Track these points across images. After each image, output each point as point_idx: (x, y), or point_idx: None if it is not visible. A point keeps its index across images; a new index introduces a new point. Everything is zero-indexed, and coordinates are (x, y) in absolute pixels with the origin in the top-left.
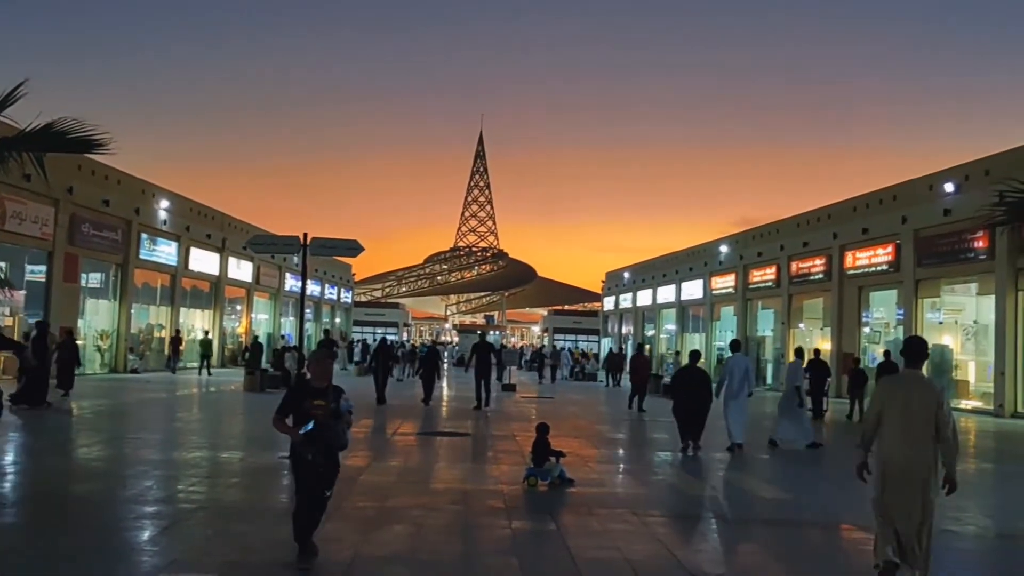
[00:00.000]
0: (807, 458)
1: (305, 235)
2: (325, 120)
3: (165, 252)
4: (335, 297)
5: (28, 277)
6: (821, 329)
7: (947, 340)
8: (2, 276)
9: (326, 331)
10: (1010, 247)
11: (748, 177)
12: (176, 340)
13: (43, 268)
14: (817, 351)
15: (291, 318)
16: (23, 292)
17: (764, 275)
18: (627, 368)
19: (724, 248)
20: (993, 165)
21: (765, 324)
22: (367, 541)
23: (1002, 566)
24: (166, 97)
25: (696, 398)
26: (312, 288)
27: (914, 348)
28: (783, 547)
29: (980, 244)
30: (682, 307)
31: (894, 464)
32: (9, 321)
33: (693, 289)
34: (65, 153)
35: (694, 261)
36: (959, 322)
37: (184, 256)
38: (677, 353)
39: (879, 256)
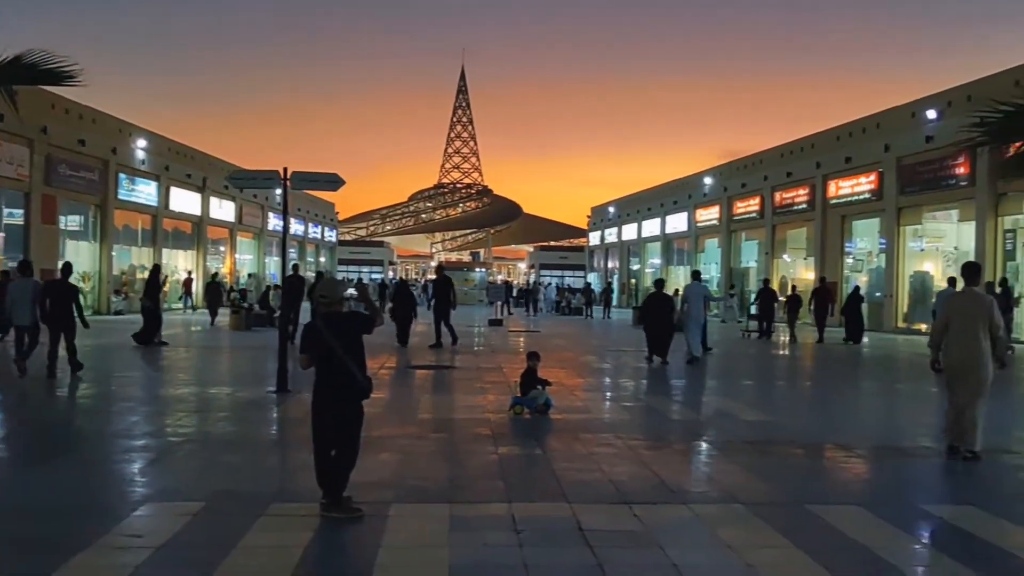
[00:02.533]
0: (789, 382)
1: (285, 169)
2: (307, 56)
3: (145, 192)
4: (319, 236)
5: (6, 220)
6: (804, 259)
7: (928, 267)
8: None
9: (295, 266)
10: (990, 173)
11: (732, 108)
12: (188, 282)
13: (20, 210)
14: (766, 280)
15: (275, 257)
16: (2, 235)
17: (748, 206)
18: (613, 302)
19: (708, 180)
20: (975, 90)
21: (749, 255)
22: (353, 469)
23: (976, 479)
24: (142, 34)
25: (662, 319)
26: (296, 227)
27: (971, 270)
28: (765, 466)
29: (961, 171)
30: (667, 240)
31: (957, 358)
32: None
33: (678, 222)
34: (36, 86)
35: (679, 194)
36: (940, 249)
37: (164, 196)
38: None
39: (862, 185)
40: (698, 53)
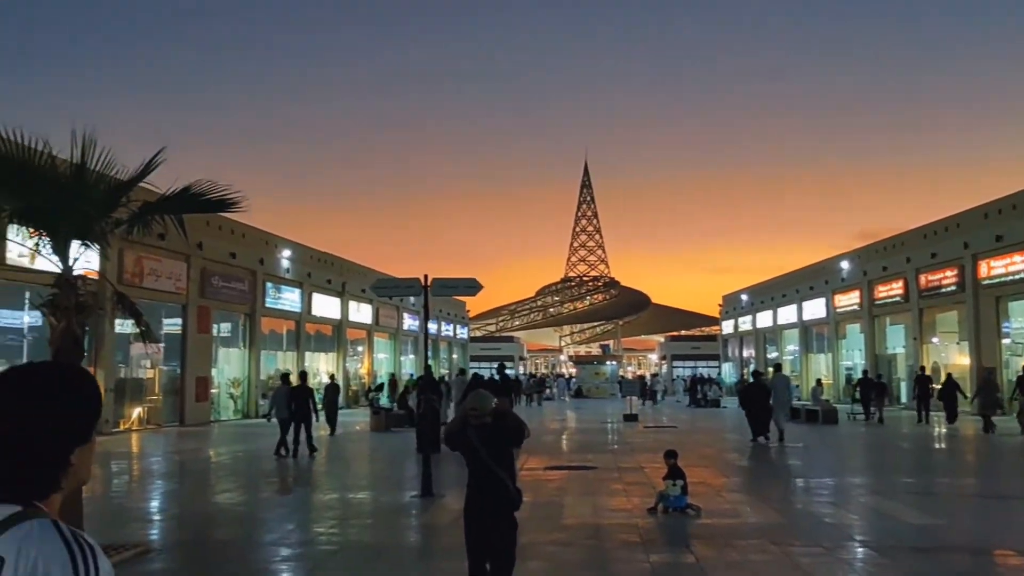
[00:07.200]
0: (954, 480)
1: (425, 276)
2: (431, 158)
3: (289, 299)
4: (451, 333)
5: (165, 330)
6: (957, 343)
7: None
8: (144, 329)
9: (391, 374)
10: None
11: (866, 189)
12: (393, 383)
13: (178, 320)
14: (865, 371)
15: (411, 356)
16: (162, 345)
17: (891, 290)
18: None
19: (846, 264)
20: None
21: (895, 340)
22: None
23: None
24: (281, 149)
25: (759, 405)
26: (429, 327)
27: None
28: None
29: None
30: (805, 327)
31: None
32: (151, 373)
33: (815, 308)
34: (200, 213)
35: (815, 279)
36: None
37: (307, 302)
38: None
39: (1016, 264)
40: (829, 133)
